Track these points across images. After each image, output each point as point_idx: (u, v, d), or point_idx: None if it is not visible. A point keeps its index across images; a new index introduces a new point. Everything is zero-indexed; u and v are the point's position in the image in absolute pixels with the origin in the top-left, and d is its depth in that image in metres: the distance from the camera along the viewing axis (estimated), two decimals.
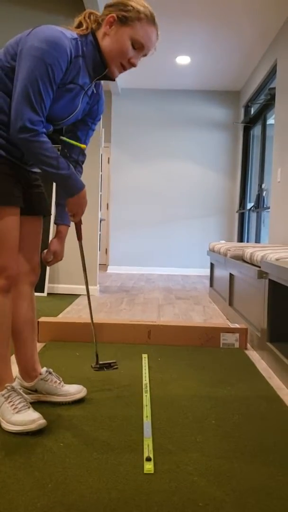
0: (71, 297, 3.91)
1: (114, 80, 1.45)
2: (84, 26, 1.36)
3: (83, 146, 1.48)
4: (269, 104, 4.96)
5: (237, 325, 2.48)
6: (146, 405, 1.61)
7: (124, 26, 1.31)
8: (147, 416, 1.52)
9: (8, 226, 1.35)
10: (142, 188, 6.37)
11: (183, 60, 5.18)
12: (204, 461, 1.24)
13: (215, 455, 1.27)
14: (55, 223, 1.59)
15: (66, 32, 1.30)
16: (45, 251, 1.56)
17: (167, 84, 6.10)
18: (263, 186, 5.18)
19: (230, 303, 3.25)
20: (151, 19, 1.34)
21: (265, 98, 4.98)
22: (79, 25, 1.37)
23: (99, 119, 1.59)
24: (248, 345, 2.51)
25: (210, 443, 1.35)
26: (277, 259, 2.20)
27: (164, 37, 4.57)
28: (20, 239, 1.50)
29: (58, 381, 1.59)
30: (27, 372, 1.57)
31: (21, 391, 1.47)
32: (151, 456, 1.24)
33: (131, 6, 1.31)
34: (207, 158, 6.34)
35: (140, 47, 1.34)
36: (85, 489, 1.09)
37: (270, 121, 5.10)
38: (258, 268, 2.33)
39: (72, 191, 1.38)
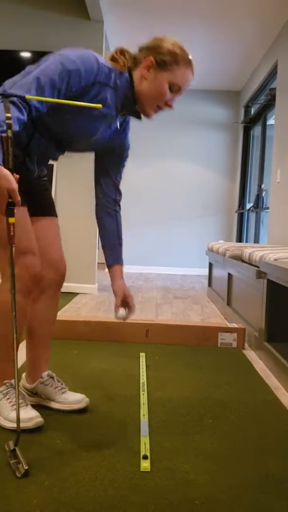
0: (70, 295, 3.91)
1: (141, 119, 1.42)
2: (121, 62, 1.33)
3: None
4: (269, 104, 4.97)
5: (235, 325, 2.48)
6: (144, 404, 1.61)
7: (162, 70, 1.30)
8: (144, 415, 1.52)
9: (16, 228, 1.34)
10: (141, 187, 6.37)
11: None
12: (200, 460, 1.24)
13: (212, 454, 1.28)
14: (107, 265, 1.52)
15: (101, 58, 1.29)
16: (115, 307, 1.47)
17: None
18: (262, 186, 5.18)
19: (228, 303, 3.25)
20: (188, 61, 1.33)
21: (265, 98, 4.98)
22: (112, 58, 1.34)
23: (127, 156, 1.54)
24: (246, 345, 2.51)
25: (207, 442, 1.35)
26: (275, 259, 2.21)
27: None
28: (37, 242, 1.46)
29: (60, 387, 1.54)
30: (30, 373, 1.56)
31: (22, 390, 1.46)
32: (148, 454, 1.24)
33: (167, 49, 1.30)
34: (206, 158, 6.34)
35: (177, 90, 1.34)
36: (81, 487, 1.09)
37: (270, 121, 5.10)
38: (257, 268, 2.34)
39: None
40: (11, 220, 1.10)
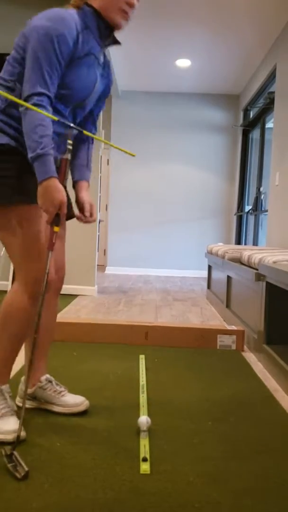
0: (69, 297, 3.90)
1: (120, 44, 1.48)
2: (76, 2, 1.37)
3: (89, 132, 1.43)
4: (268, 108, 4.98)
5: (234, 327, 2.48)
6: (143, 406, 1.61)
7: None
8: None
9: (40, 227, 1.32)
10: (141, 190, 6.38)
11: (183, 63, 5.19)
12: (200, 462, 1.24)
13: (211, 456, 1.28)
14: (73, 181, 1.53)
15: (68, 10, 1.33)
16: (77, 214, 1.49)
17: (167, 87, 6.11)
18: (261, 189, 5.20)
19: (228, 305, 3.25)
20: None
21: (264, 102, 5.00)
22: (72, 3, 1.39)
23: (108, 92, 1.58)
24: (245, 347, 2.52)
25: (206, 444, 1.35)
26: (274, 262, 2.21)
27: (164, 40, 4.59)
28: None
29: (59, 391, 1.53)
30: (30, 377, 1.54)
31: (8, 395, 1.39)
32: (148, 456, 1.24)
33: None
34: (206, 161, 6.35)
35: None
36: (81, 489, 1.09)
37: (269, 124, 5.12)
38: (256, 271, 2.34)
39: (38, 176, 1.24)
40: (56, 229, 1.27)
